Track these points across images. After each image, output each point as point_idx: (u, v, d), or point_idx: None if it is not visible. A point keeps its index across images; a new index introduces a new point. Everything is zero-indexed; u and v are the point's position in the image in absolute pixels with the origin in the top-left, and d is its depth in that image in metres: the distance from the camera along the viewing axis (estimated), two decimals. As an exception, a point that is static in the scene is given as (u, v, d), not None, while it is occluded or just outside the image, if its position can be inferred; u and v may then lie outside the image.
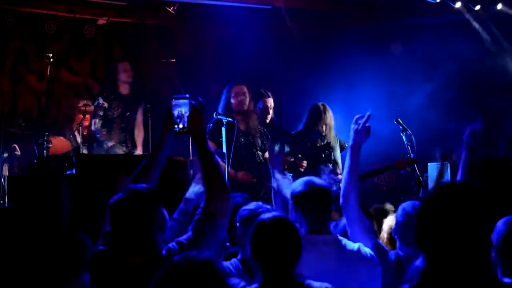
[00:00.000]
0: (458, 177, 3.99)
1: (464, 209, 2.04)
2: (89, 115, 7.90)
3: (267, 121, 7.00)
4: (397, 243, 3.85)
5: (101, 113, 7.76)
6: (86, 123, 7.90)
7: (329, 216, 3.54)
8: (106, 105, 7.78)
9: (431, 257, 2.07)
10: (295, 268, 2.79)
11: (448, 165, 5.33)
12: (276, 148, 6.79)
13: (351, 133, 3.71)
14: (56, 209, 6.00)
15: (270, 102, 7.02)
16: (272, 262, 2.77)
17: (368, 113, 3.71)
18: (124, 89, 7.92)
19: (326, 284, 2.81)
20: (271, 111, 7.02)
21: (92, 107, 7.83)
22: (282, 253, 2.77)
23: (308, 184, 3.52)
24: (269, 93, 7.05)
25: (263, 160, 6.68)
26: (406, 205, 3.81)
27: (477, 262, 2.04)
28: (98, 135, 7.77)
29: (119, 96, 7.88)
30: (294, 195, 3.52)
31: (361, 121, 3.72)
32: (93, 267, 2.82)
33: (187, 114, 2.97)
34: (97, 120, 7.74)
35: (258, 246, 2.80)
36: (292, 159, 6.65)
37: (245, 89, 6.72)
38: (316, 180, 3.59)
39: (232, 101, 6.66)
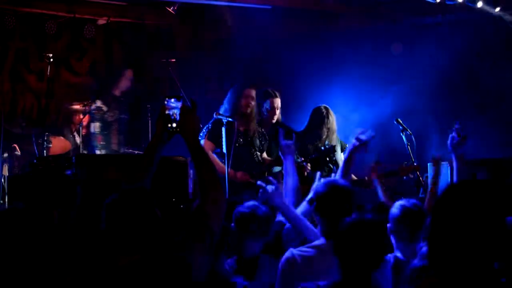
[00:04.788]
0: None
1: (481, 208, 2.05)
2: (88, 115, 7.92)
3: (273, 121, 6.92)
4: (394, 243, 3.81)
5: (98, 116, 7.78)
6: (85, 123, 7.93)
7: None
8: (105, 108, 7.80)
9: (443, 256, 2.07)
10: None
11: (446, 166, 5.29)
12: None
13: (349, 146, 3.70)
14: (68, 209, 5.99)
15: (277, 102, 6.92)
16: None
17: (372, 135, 3.69)
18: (117, 92, 8.13)
19: None
20: (278, 111, 6.93)
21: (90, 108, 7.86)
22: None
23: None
24: (277, 93, 6.96)
25: (261, 160, 6.67)
26: (402, 201, 3.80)
27: (488, 261, 2.05)
28: (92, 140, 7.78)
29: (115, 98, 7.94)
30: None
31: (362, 138, 3.70)
32: (88, 267, 2.82)
33: (179, 113, 2.96)
34: (97, 123, 7.76)
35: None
36: (298, 160, 6.55)
37: (254, 93, 6.65)
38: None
39: (241, 102, 6.54)
